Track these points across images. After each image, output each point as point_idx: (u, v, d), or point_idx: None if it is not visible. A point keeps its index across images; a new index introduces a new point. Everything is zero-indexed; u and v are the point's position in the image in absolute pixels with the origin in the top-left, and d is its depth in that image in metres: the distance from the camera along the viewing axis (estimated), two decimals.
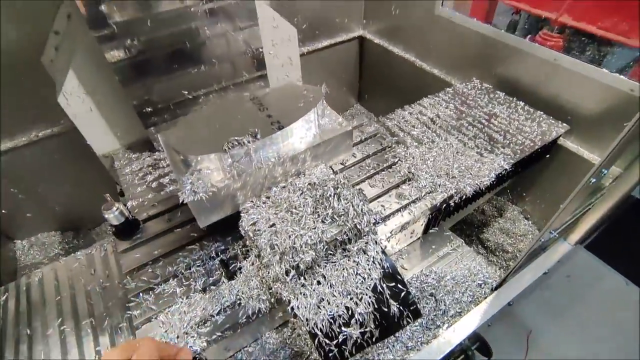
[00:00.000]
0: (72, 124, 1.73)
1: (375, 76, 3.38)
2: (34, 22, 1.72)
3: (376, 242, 1.20)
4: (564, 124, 1.92)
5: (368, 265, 1.15)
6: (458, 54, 2.46)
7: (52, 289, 1.52)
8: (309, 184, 1.27)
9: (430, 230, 1.75)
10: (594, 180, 1.04)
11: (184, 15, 1.55)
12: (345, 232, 1.14)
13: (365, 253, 1.17)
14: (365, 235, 1.18)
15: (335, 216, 1.15)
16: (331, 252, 1.15)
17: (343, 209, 1.16)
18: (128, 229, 1.41)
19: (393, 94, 3.21)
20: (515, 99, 2.11)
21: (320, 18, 2.81)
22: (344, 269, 1.14)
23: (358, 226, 1.15)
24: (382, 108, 3.48)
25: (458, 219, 2.10)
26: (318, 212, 1.17)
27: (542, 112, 2.00)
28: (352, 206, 1.16)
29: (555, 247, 1.63)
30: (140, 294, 1.25)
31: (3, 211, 2.24)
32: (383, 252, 1.19)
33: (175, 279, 1.30)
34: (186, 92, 1.75)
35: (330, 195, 1.20)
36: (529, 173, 2.18)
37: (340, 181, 1.25)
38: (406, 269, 1.62)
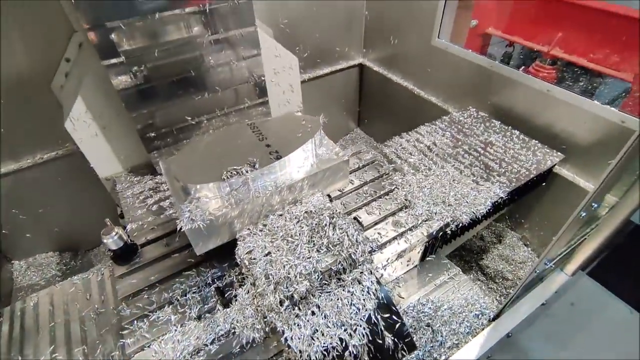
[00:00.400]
0: (75, 147, 1.77)
1: (375, 102, 3.46)
2: (45, 49, 1.79)
3: (371, 271, 1.20)
4: (559, 153, 1.95)
5: (363, 295, 1.15)
6: (454, 83, 2.53)
7: (46, 315, 1.50)
8: (306, 212, 1.29)
9: (428, 258, 1.75)
10: (584, 214, 1.06)
11: (190, 45, 1.62)
12: (340, 261, 1.15)
13: (360, 283, 1.17)
14: (360, 265, 1.19)
15: (330, 245, 1.17)
16: (326, 282, 1.15)
17: (338, 239, 1.17)
18: (126, 254, 1.42)
19: (392, 119, 3.28)
20: (510, 127, 2.16)
21: (321, 47, 2.91)
22: (338, 299, 1.14)
23: (353, 256, 1.16)
24: (381, 132, 3.54)
25: (456, 246, 2.10)
26: (313, 241, 1.19)
27: (537, 141, 2.03)
28: (347, 236, 1.17)
29: (553, 278, 1.62)
30: (135, 322, 1.24)
31: (4, 232, 2.25)
32: (378, 282, 1.19)
33: (170, 306, 1.29)
34: (189, 118, 1.80)
35: (325, 224, 1.21)
36: (527, 200, 2.19)
37: (336, 210, 1.27)
38: (403, 298, 1.60)
